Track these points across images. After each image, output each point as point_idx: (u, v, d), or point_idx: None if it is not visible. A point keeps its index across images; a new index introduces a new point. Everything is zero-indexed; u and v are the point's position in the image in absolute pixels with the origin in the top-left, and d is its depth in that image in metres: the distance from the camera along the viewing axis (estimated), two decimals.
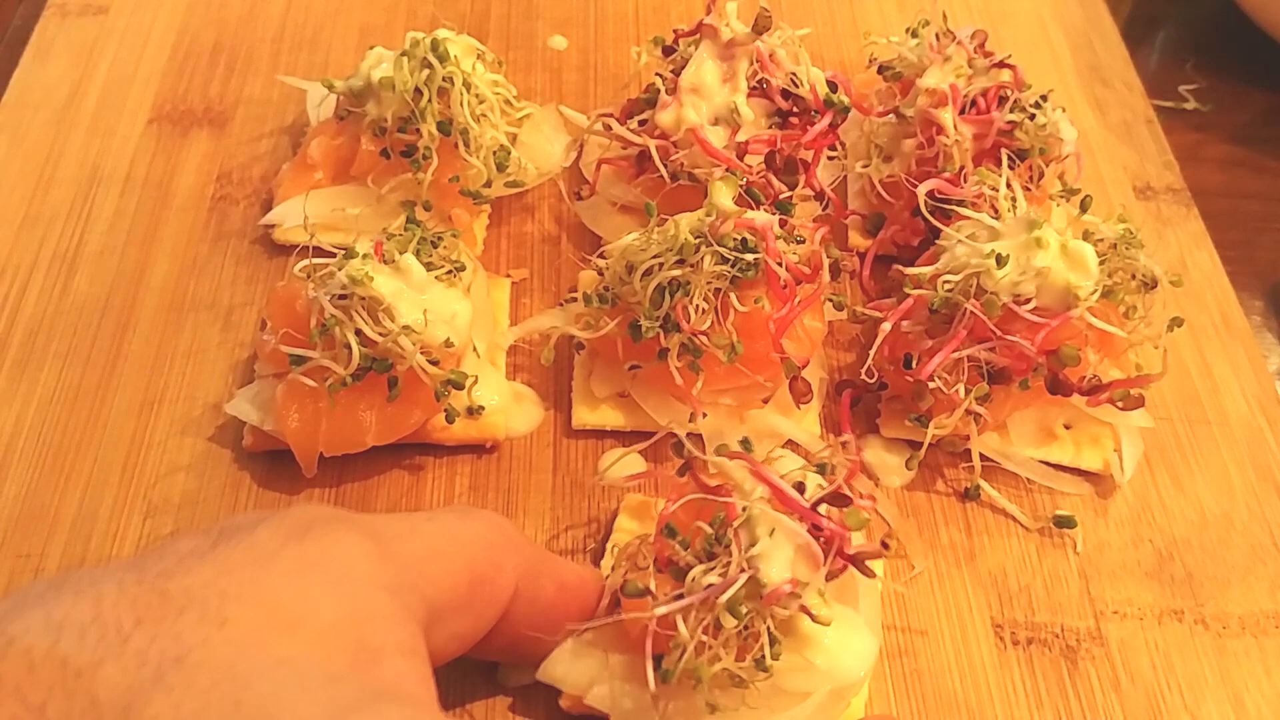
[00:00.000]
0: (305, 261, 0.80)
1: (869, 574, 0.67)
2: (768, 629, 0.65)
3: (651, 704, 0.66)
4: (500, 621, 0.64)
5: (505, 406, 0.83)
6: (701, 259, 0.78)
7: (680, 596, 0.65)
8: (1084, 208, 0.86)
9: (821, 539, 0.65)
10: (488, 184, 0.92)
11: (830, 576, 0.66)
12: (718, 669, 0.64)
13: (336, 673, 0.49)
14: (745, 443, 0.71)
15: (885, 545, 0.68)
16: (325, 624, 0.51)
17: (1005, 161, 0.87)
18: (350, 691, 0.48)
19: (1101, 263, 0.80)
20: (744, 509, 0.66)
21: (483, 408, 0.82)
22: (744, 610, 0.64)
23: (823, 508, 0.67)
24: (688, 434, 0.71)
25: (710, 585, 0.65)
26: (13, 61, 1.08)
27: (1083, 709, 0.73)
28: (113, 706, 0.44)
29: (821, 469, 0.69)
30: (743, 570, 0.64)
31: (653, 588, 0.67)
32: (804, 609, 0.65)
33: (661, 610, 0.65)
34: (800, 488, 0.67)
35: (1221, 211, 1.05)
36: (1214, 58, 1.22)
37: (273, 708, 0.45)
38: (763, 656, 0.64)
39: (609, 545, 0.77)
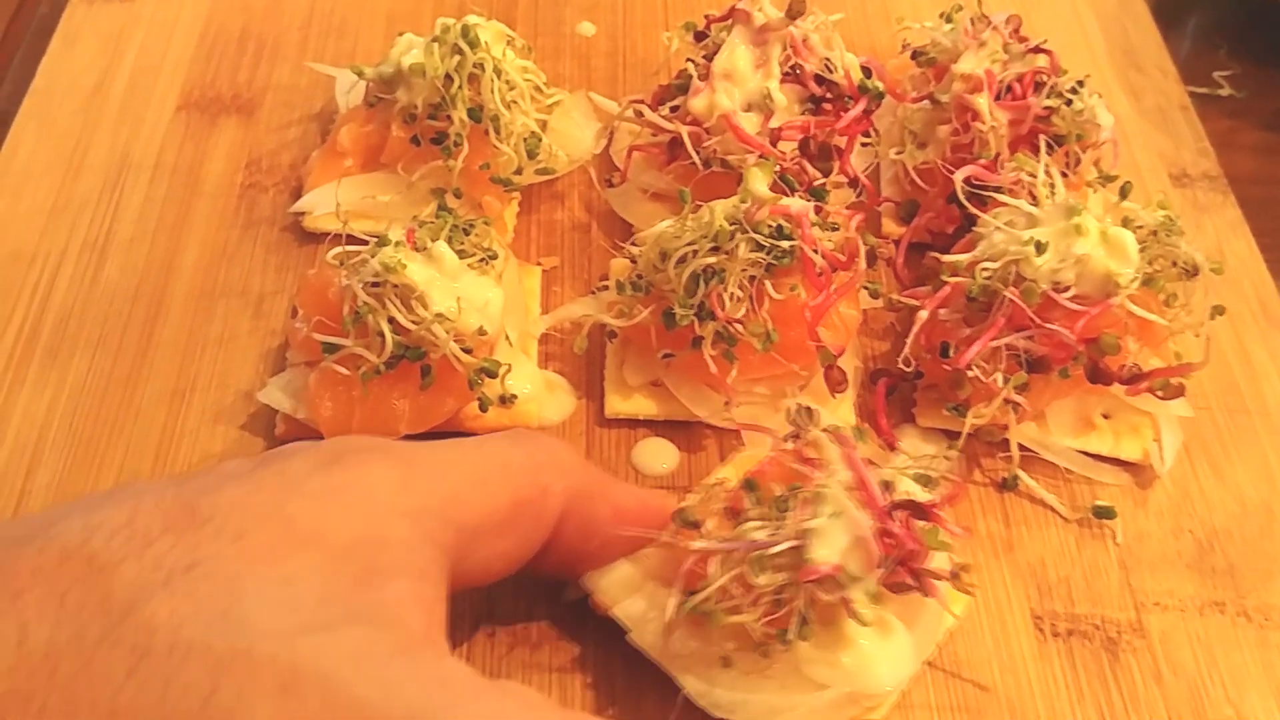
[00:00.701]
0: (338, 249, 0.79)
1: (926, 592, 0.66)
2: (803, 607, 0.65)
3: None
4: (553, 540, 0.65)
5: (538, 395, 0.83)
6: (736, 246, 0.77)
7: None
8: (1124, 194, 0.84)
9: (891, 544, 0.65)
10: (518, 171, 0.92)
11: (898, 589, 0.66)
12: (734, 620, 0.64)
13: (331, 593, 0.52)
14: (858, 429, 0.71)
15: (955, 575, 0.67)
16: (336, 546, 0.53)
17: (1043, 147, 0.86)
18: (332, 612, 0.51)
19: (1142, 250, 0.79)
20: (820, 485, 0.66)
21: (515, 396, 0.81)
22: (776, 575, 0.64)
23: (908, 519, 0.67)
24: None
25: (754, 541, 0.65)
26: (40, 49, 1.08)
27: (1124, 702, 0.72)
28: (122, 602, 0.48)
29: (925, 480, 0.69)
30: (791, 539, 0.64)
31: (707, 527, 0.68)
32: (845, 601, 0.65)
33: (698, 545, 0.66)
34: (888, 487, 0.67)
35: (1257, 199, 1.03)
36: (1247, 42, 1.20)
37: (253, 619, 0.49)
38: (786, 629, 0.65)
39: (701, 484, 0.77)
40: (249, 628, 0.49)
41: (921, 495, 0.68)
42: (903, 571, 0.66)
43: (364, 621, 0.51)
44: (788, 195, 0.81)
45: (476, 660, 0.72)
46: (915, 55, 0.97)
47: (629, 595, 0.69)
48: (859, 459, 0.68)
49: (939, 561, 0.67)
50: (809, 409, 0.71)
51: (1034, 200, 0.82)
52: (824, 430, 0.70)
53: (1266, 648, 0.75)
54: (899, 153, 0.94)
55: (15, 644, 0.47)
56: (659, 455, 0.82)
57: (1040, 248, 0.77)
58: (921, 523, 0.66)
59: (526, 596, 0.73)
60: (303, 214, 0.93)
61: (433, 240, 0.78)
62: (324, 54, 1.08)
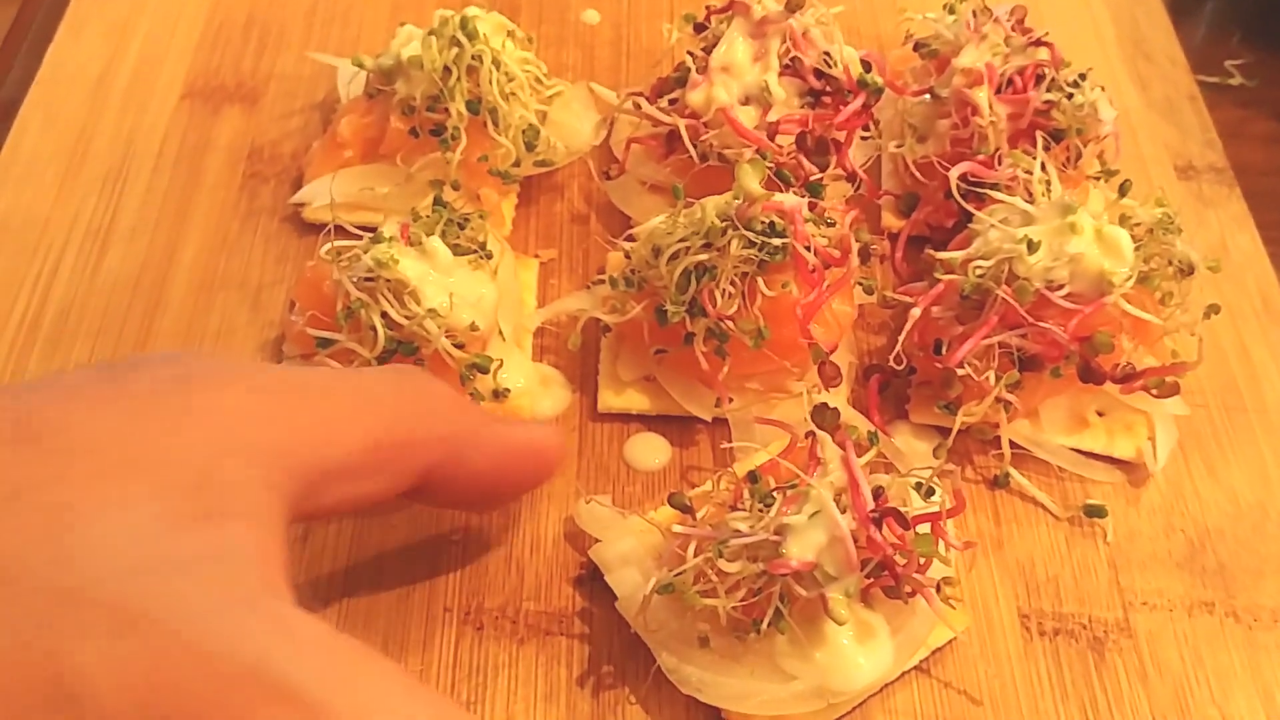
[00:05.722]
0: (331, 244, 0.80)
1: (901, 598, 0.68)
2: (779, 600, 0.66)
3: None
4: (427, 486, 0.63)
5: (531, 390, 0.83)
6: (728, 243, 0.77)
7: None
8: (1123, 191, 0.84)
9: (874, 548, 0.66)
10: (516, 163, 0.92)
11: (890, 594, 0.68)
12: (707, 604, 0.66)
13: (167, 529, 0.48)
14: (874, 435, 0.73)
15: (939, 589, 0.68)
16: (174, 478, 0.50)
17: (1040, 143, 0.85)
18: (167, 550, 0.47)
19: (1137, 248, 0.79)
20: (810, 484, 0.67)
21: (508, 391, 0.81)
22: (750, 565, 0.66)
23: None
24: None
25: (730, 529, 0.67)
26: (47, 37, 1.08)
27: (1109, 701, 0.72)
28: None
29: (926, 490, 0.70)
30: (768, 532, 0.66)
31: (702, 513, 0.72)
32: (822, 599, 0.65)
33: (677, 529, 0.69)
34: (880, 493, 0.68)
35: (1265, 190, 1.02)
36: (1261, 30, 1.19)
37: (82, 555, 0.46)
38: (761, 619, 0.66)
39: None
40: (78, 565, 0.45)
41: (918, 504, 0.68)
42: (888, 576, 0.66)
43: (202, 562, 0.48)
44: (783, 191, 0.81)
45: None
46: (918, 47, 0.96)
47: (625, 566, 0.73)
48: (855, 462, 0.68)
49: (935, 571, 0.68)
50: (830, 408, 0.72)
51: (1030, 197, 0.82)
52: (832, 432, 0.71)
53: (1254, 648, 0.75)
54: (899, 146, 0.94)
55: None
56: (651, 451, 0.82)
57: (1033, 246, 0.77)
58: (915, 531, 0.67)
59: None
60: (303, 205, 0.94)
61: (427, 235, 0.79)
62: (328, 43, 1.08)
